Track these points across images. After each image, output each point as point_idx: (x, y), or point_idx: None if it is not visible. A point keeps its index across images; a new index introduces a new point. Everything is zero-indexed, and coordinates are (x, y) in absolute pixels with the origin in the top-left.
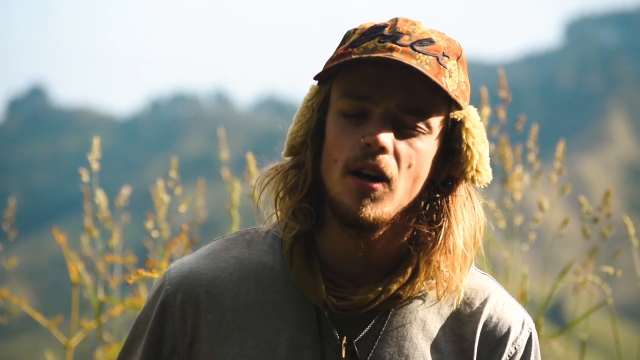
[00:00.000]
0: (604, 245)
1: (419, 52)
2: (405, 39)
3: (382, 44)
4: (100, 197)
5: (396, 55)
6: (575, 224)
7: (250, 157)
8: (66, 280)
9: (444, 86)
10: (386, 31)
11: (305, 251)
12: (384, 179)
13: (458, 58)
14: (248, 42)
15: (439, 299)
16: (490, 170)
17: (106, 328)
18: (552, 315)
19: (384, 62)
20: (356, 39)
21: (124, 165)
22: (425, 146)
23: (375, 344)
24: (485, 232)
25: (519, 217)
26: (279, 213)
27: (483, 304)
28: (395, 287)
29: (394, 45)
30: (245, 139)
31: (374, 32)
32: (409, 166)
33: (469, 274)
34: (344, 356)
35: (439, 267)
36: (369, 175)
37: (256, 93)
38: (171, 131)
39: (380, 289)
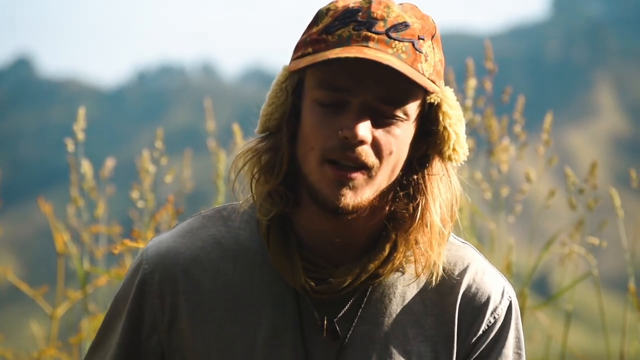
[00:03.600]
0: (589, 217)
1: (394, 39)
2: (380, 26)
3: (357, 32)
4: (86, 167)
5: (372, 46)
6: (561, 196)
7: (236, 128)
8: (52, 250)
9: (420, 81)
10: (360, 16)
11: (282, 233)
12: (365, 168)
13: (432, 37)
14: (235, 13)
15: (417, 276)
16: (466, 147)
17: (92, 298)
18: (538, 287)
19: (361, 61)
20: (330, 24)
21: (110, 137)
22: (403, 132)
23: (355, 321)
24: (471, 203)
25: (505, 188)
26: (254, 196)
27: (462, 274)
28: (373, 266)
29: (369, 34)
30: (232, 110)
31: (348, 17)
32: (390, 153)
33: (449, 244)
34: (324, 336)
35: (416, 244)
36: (347, 165)
37: (243, 64)
38: (157, 102)
39: (358, 270)
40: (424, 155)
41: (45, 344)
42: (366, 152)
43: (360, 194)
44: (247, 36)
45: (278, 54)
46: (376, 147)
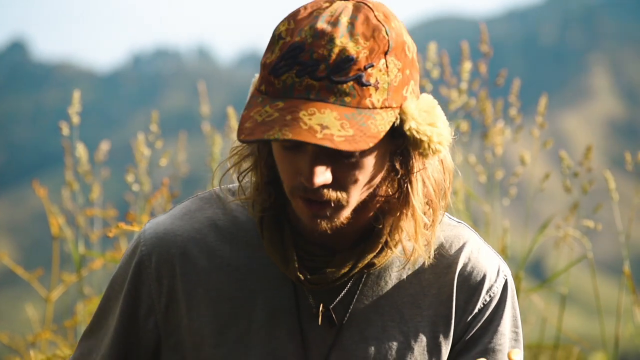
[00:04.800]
0: (584, 200)
1: (337, 82)
2: (321, 70)
3: (299, 80)
4: (81, 150)
5: (313, 97)
6: (556, 179)
7: (231, 112)
8: (47, 234)
9: (362, 147)
10: (303, 57)
11: (275, 225)
12: (332, 202)
13: (386, 53)
14: None
15: (407, 260)
16: (446, 136)
17: (87, 281)
18: (533, 270)
19: (293, 141)
20: (277, 62)
21: (105, 120)
22: (369, 159)
23: (352, 305)
24: (466, 186)
25: (500, 171)
26: (243, 194)
27: (458, 253)
28: (369, 256)
29: (311, 82)
30: (227, 94)
31: (292, 58)
32: (355, 182)
33: (444, 224)
34: (320, 323)
35: (402, 232)
36: (315, 200)
37: (238, 48)
38: (153, 86)
39: (353, 261)
40: (403, 151)
41: (40, 328)
42: (328, 191)
43: (336, 219)
44: (242, 20)
45: None
46: (339, 183)
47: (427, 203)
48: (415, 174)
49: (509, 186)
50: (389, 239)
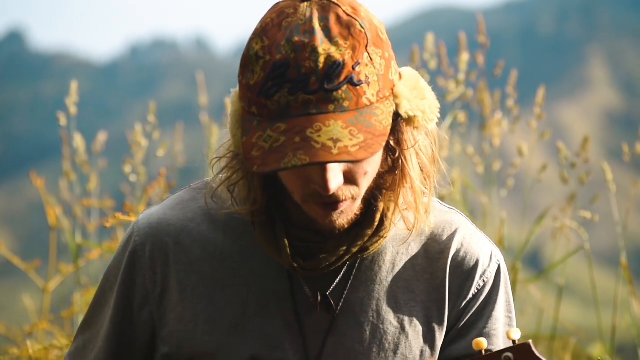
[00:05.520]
0: (582, 191)
1: (331, 90)
2: (313, 82)
3: (293, 97)
4: (79, 141)
5: (313, 111)
6: (553, 170)
7: (228, 102)
8: (44, 224)
9: (374, 150)
10: (291, 74)
11: (267, 219)
12: (346, 200)
13: (367, 46)
14: None
15: (410, 230)
16: (435, 103)
17: (84, 272)
18: (530, 261)
19: (312, 165)
20: (263, 84)
21: (102, 111)
22: (377, 156)
23: (346, 291)
24: (463, 177)
25: (498, 162)
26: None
27: (450, 238)
28: (361, 242)
29: (307, 97)
30: (225, 85)
31: (280, 77)
32: (365, 174)
33: (436, 210)
34: (317, 310)
35: (402, 205)
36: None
37: (236, 39)
38: (150, 77)
39: (346, 246)
40: (397, 129)
41: (37, 318)
42: (342, 191)
43: (350, 212)
44: (240, 10)
45: None
46: (351, 180)
47: (421, 172)
48: (409, 148)
49: (506, 177)
50: (385, 216)
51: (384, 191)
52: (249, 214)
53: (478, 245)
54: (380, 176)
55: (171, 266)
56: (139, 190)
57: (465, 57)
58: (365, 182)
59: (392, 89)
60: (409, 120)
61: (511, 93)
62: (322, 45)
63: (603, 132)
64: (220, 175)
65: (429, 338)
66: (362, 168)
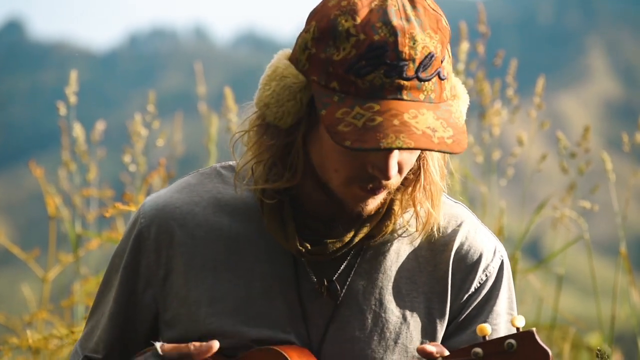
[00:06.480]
0: (581, 181)
1: (424, 80)
2: (410, 69)
3: (389, 80)
4: (78, 130)
5: (406, 97)
6: (553, 160)
7: (227, 91)
8: (43, 214)
9: (462, 147)
10: (389, 57)
11: (276, 203)
12: (390, 189)
13: (448, 43)
14: None
15: (419, 232)
16: (466, 96)
17: (83, 261)
18: (530, 251)
19: (417, 149)
20: (356, 63)
21: (102, 100)
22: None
23: (350, 278)
24: (463, 167)
25: (497, 152)
26: (254, 175)
27: (455, 231)
28: (367, 229)
29: (402, 82)
30: (224, 74)
31: (377, 59)
32: (410, 165)
33: (442, 203)
34: (323, 297)
35: (418, 203)
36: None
37: (235, 28)
38: (149, 66)
39: (352, 232)
40: None
41: (37, 307)
42: (392, 182)
43: (380, 200)
44: (239, 0)
45: (270, 19)
46: (401, 169)
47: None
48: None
49: (506, 167)
50: (395, 211)
51: (400, 185)
52: (261, 193)
53: (482, 240)
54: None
55: (176, 249)
56: (139, 180)
57: (465, 46)
58: (404, 174)
59: (454, 89)
60: None
61: (511, 82)
62: (419, 34)
63: (602, 122)
64: (247, 151)
65: (430, 329)
66: (411, 161)
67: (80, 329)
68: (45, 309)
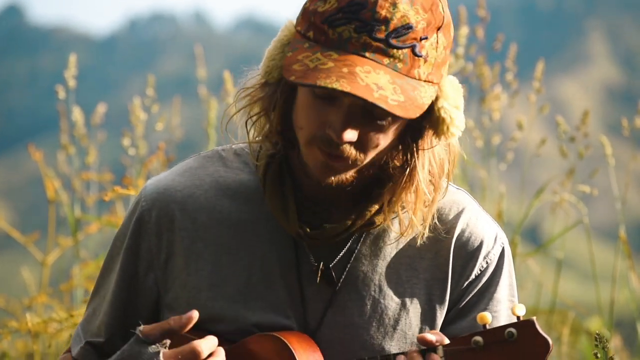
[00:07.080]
0: (581, 165)
1: (393, 47)
2: (381, 31)
3: (357, 35)
4: (77, 114)
5: (368, 56)
6: (553, 144)
7: (227, 76)
8: (43, 197)
9: (404, 113)
10: (364, 15)
11: (278, 177)
12: (349, 160)
13: (439, 28)
14: None
15: (401, 235)
16: (462, 126)
17: (83, 245)
18: (529, 235)
19: (351, 96)
20: (334, 14)
21: (101, 85)
22: (392, 125)
23: (349, 263)
24: (462, 151)
25: (497, 136)
26: (249, 138)
27: (456, 218)
28: (369, 214)
29: (369, 40)
30: (224, 58)
31: (353, 13)
32: (376, 146)
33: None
34: (319, 281)
35: (401, 204)
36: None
37: (235, 13)
38: (149, 51)
39: (354, 217)
40: (418, 128)
41: (36, 291)
42: (350, 149)
43: (344, 175)
44: None
45: (270, 3)
46: (362, 143)
47: (430, 180)
48: (424, 150)
49: (505, 151)
50: (386, 206)
51: (391, 183)
52: (264, 152)
53: (483, 227)
54: (392, 168)
55: (176, 232)
56: (138, 164)
57: (464, 30)
58: (372, 153)
59: (439, 82)
60: (434, 123)
61: (510, 67)
62: (403, 3)
63: (602, 107)
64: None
65: (429, 316)
66: (376, 138)
67: (79, 312)
68: (44, 293)
